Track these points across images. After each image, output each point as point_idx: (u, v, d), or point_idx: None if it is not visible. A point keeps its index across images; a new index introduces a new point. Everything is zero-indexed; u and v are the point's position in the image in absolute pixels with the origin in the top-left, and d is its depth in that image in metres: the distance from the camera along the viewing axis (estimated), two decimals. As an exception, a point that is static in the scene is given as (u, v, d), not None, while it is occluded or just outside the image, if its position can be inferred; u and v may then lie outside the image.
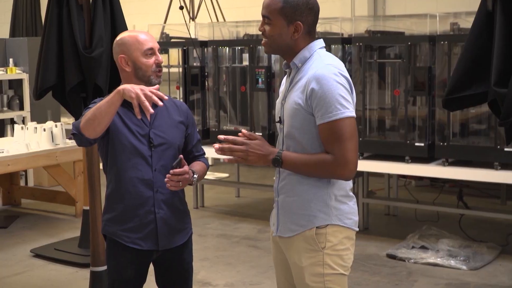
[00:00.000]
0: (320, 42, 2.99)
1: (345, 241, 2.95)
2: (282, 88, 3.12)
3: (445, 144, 6.00)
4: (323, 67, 2.85)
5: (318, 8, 2.97)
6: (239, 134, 2.93)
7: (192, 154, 3.53)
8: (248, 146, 2.89)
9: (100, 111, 3.13)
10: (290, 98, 2.94)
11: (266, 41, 2.99)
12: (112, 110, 3.14)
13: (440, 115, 6.07)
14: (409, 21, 6.83)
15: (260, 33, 3.02)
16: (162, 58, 3.45)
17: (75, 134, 3.22)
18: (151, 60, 3.35)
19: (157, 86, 3.25)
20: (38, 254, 6.38)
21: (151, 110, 3.07)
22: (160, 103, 3.10)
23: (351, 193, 3.01)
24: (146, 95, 3.06)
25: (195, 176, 3.30)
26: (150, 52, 3.34)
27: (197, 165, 3.46)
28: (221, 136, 2.93)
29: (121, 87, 3.12)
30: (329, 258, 2.91)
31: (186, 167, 3.23)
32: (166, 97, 3.17)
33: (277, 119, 3.08)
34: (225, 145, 2.90)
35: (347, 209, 2.96)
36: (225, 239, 6.86)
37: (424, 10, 8.08)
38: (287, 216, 2.99)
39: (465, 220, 6.76)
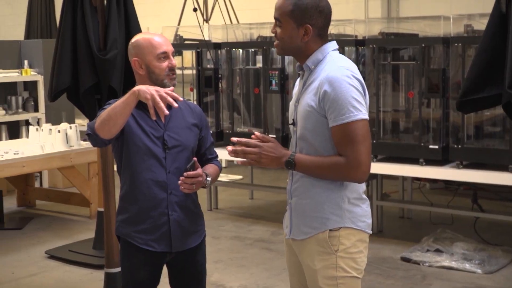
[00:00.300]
0: (333, 44, 2.99)
1: (359, 244, 2.94)
2: (295, 90, 3.12)
3: (460, 146, 5.97)
4: (336, 69, 2.85)
5: (329, 11, 2.96)
6: (252, 136, 2.93)
7: (205, 157, 3.53)
8: (261, 148, 2.89)
9: (115, 111, 3.14)
10: (303, 100, 2.94)
11: (278, 43, 3.00)
12: (127, 110, 3.14)
13: (455, 117, 6.05)
14: (423, 23, 6.81)
15: (273, 35, 3.03)
16: (176, 60, 3.45)
17: (90, 134, 3.24)
18: (164, 63, 3.35)
19: (172, 87, 3.26)
20: (52, 256, 6.41)
21: (166, 112, 3.08)
22: (175, 104, 3.11)
23: (364, 196, 3.00)
24: (161, 97, 3.07)
25: (208, 179, 3.31)
26: (164, 55, 3.35)
27: (210, 168, 3.46)
28: (234, 139, 2.93)
29: (136, 88, 3.13)
30: (342, 261, 2.90)
31: (199, 170, 3.23)
32: (181, 99, 3.18)
33: (290, 121, 3.09)
34: (238, 148, 2.91)
35: (360, 211, 2.96)
36: (238, 241, 6.86)
37: (438, 12, 8.05)
38: (300, 218, 2.99)
39: (480, 223, 6.73)
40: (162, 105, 3.05)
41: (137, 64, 3.36)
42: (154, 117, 3.11)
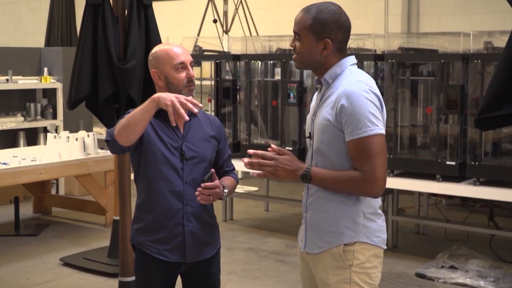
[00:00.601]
0: (351, 59, 3.00)
1: (373, 259, 2.93)
2: (313, 104, 3.12)
3: (477, 163, 5.94)
4: (354, 84, 2.85)
5: (349, 25, 2.96)
6: (269, 149, 2.94)
7: (222, 169, 3.54)
8: (277, 161, 2.90)
9: (135, 118, 3.15)
10: (320, 114, 2.95)
11: (297, 57, 3.00)
12: (146, 117, 3.16)
13: (472, 134, 6.03)
14: (442, 39, 6.80)
15: (292, 48, 3.03)
16: (195, 71, 3.47)
17: (109, 141, 3.25)
18: (182, 74, 3.36)
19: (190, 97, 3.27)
20: (67, 263, 6.43)
21: (186, 118, 3.10)
22: (195, 110, 3.13)
23: (379, 211, 3.00)
24: (181, 103, 3.08)
25: (225, 191, 3.31)
26: (182, 66, 3.36)
27: (227, 180, 3.47)
28: (251, 151, 2.94)
29: (156, 95, 3.14)
30: (356, 275, 2.90)
31: (217, 181, 3.24)
32: (200, 105, 3.20)
33: (307, 134, 3.09)
34: (255, 160, 2.91)
35: (376, 226, 2.95)
36: (253, 253, 6.85)
37: (458, 28, 8.05)
38: (315, 232, 2.99)
39: (495, 240, 6.68)
40: (182, 111, 3.07)
41: (156, 75, 3.38)
42: (174, 123, 3.12)
